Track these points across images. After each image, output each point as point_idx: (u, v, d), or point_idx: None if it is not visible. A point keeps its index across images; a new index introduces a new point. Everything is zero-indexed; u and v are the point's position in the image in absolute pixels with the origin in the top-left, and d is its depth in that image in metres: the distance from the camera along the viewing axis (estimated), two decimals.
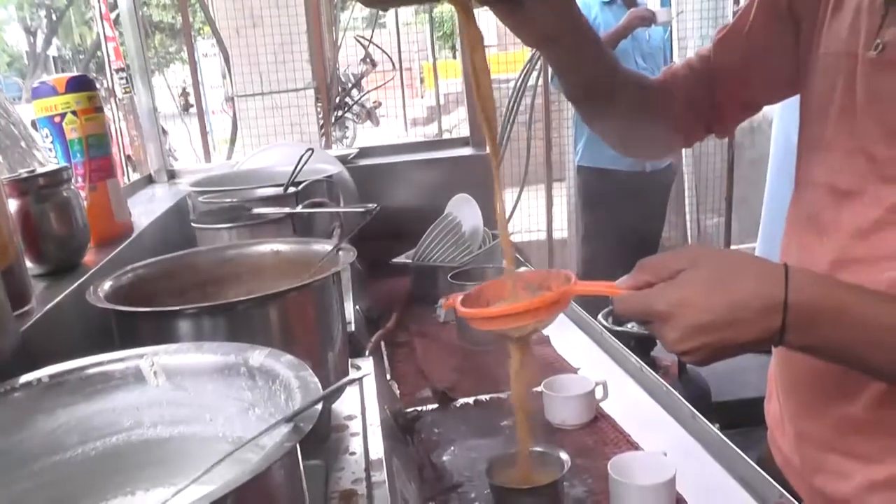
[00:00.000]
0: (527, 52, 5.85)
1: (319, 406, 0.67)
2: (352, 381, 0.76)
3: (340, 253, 1.28)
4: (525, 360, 1.07)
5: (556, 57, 1.17)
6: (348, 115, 6.83)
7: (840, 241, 1.06)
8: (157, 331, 1.04)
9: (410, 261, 2.29)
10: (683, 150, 5.57)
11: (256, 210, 1.69)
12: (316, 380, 0.73)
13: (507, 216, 4.64)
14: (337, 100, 5.57)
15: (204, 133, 5.33)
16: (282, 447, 0.60)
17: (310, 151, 1.85)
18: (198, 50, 9.33)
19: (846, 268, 1.04)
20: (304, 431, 0.63)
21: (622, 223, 3.98)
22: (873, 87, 1.01)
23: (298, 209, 1.68)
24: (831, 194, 1.08)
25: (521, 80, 4.32)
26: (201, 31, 10.22)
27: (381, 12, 7.21)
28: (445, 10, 10.92)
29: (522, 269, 2.34)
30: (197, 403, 0.84)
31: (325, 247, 1.33)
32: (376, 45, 5.19)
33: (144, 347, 0.87)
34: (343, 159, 2.58)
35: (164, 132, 9.98)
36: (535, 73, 4.43)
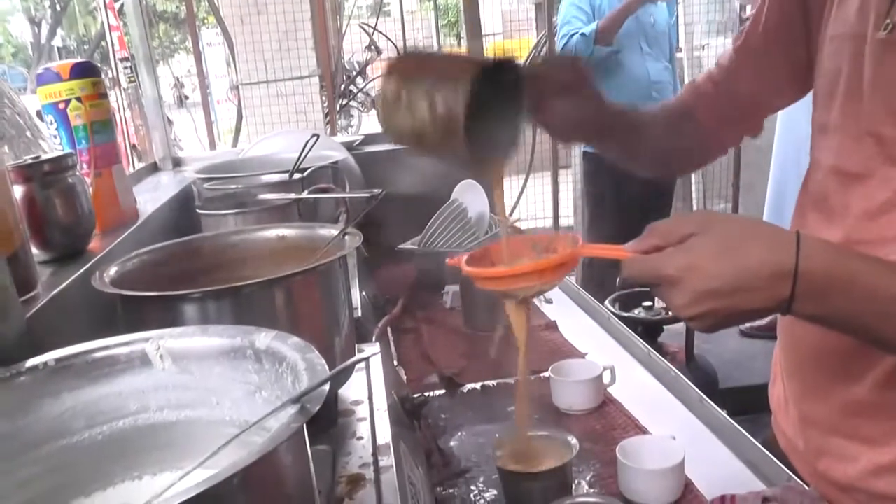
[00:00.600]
0: (532, 38, 5.84)
1: (326, 387, 0.66)
2: (359, 361, 0.76)
3: (346, 237, 1.28)
4: (527, 323, 1.07)
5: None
6: (353, 103, 6.81)
7: (848, 223, 1.05)
8: (163, 315, 1.03)
9: (416, 247, 2.28)
10: None
11: (262, 196, 1.69)
12: (323, 361, 0.72)
13: (513, 200, 4.62)
14: (342, 87, 5.56)
15: (209, 122, 5.34)
16: (288, 428, 0.60)
17: (315, 137, 1.85)
18: (202, 39, 9.34)
19: (855, 250, 1.03)
20: (310, 412, 0.63)
21: (628, 209, 3.97)
22: (881, 68, 1.00)
23: (304, 195, 1.67)
24: (839, 177, 1.08)
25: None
26: (206, 21, 10.23)
27: (385, 0, 7.19)
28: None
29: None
30: (203, 387, 0.84)
31: (330, 231, 1.32)
32: (381, 33, 5.17)
33: (150, 331, 0.87)
34: (349, 146, 2.57)
35: (170, 122, 9.98)
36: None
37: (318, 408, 0.64)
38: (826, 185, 1.10)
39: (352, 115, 7.94)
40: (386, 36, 5.32)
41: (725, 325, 0.89)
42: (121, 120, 5.77)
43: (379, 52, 5.17)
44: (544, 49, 4.27)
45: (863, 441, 1.06)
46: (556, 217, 4.61)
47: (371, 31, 4.97)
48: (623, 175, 4.17)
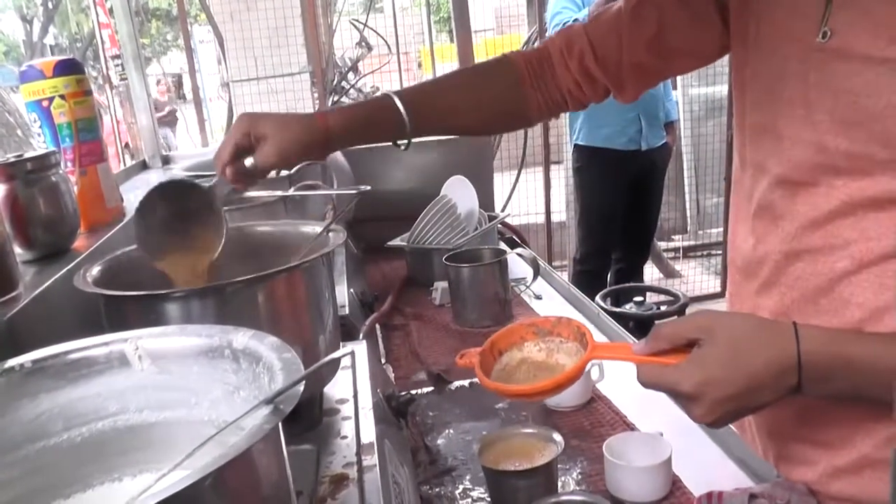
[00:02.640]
0: (523, 35, 5.82)
1: (301, 387, 0.66)
2: (333, 359, 0.75)
3: (331, 235, 1.27)
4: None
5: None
6: (345, 98, 6.79)
7: (795, 230, 1.07)
8: (146, 315, 1.02)
9: (406, 244, 2.28)
10: (682, 132, 5.55)
11: (248, 194, 1.68)
12: (299, 361, 0.71)
13: (505, 196, 4.61)
14: (333, 84, 5.54)
15: (201, 120, 5.32)
16: (261, 429, 0.59)
17: (288, 165, 1.84)
18: (194, 36, 9.30)
19: (800, 257, 1.06)
20: (284, 413, 0.62)
21: (617, 202, 3.97)
22: (825, 77, 1.00)
23: (290, 192, 1.66)
24: (785, 184, 1.08)
25: None
26: (198, 18, 10.18)
27: None
28: None
29: (525, 318, 2.33)
30: (182, 387, 0.83)
31: (315, 228, 1.31)
32: (371, 29, 5.16)
33: (128, 332, 0.86)
34: None
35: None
36: None
37: (291, 408, 0.63)
38: (771, 190, 1.10)
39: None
40: (376, 32, 5.30)
41: (741, 418, 1.00)
42: (112, 118, 5.75)
43: (370, 48, 5.16)
44: (536, 44, 4.25)
45: (820, 445, 1.09)
46: (547, 213, 4.60)
47: (362, 27, 4.96)
48: (611, 167, 4.15)
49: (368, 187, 1.55)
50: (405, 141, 1.32)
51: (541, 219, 4.69)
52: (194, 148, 5.68)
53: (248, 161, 1.19)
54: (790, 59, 1.05)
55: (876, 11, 0.95)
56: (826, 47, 0.99)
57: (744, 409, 0.96)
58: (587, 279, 3.97)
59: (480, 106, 1.36)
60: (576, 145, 4.02)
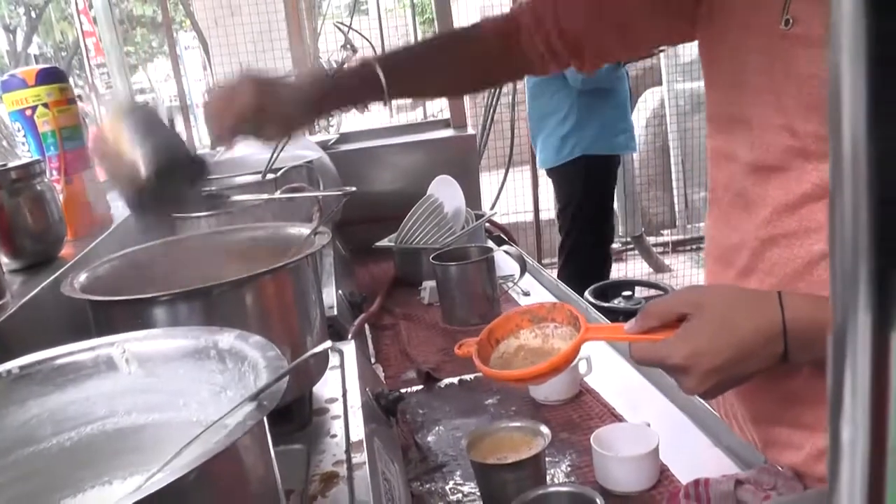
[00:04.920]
0: None
1: (284, 383, 0.66)
2: (321, 358, 0.76)
3: (317, 236, 1.28)
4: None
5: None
6: None
7: (768, 215, 1.09)
8: (133, 319, 1.03)
9: (393, 244, 2.29)
10: (668, 127, 5.58)
11: (234, 198, 1.68)
12: (283, 359, 0.72)
13: (494, 195, 4.62)
14: None
15: (188, 126, 5.31)
16: (244, 425, 0.60)
17: (286, 138, 1.84)
18: (179, 43, 9.29)
19: (776, 242, 1.08)
20: (267, 409, 0.63)
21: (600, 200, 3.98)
22: (790, 62, 1.02)
23: (276, 195, 1.67)
24: (757, 170, 1.10)
25: None
26: (183, 25, 10.17)
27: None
28: None
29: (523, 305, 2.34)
30: (170, 389, 0.83)
31: (301, 231, 1.32)
32: (356, 31, 5.17)
33: (115, 336, 0.87)
34: (324, 145, 2.57)
35: None
36: None
37: (275, 404, 0.64)
38: (743, 177, 1.13)
39: (332, 115, 7.94)
40: (361, 34, 5.31)
41: (732, 387, 1.02)
42: (98, 126, 5.73)
43: (354, 50, 5.16)
44: None
45: (805, 428, 1.11)
46: (536, 210, 4.62)
47: (346, 29, 4.97)
48: (616, 170, 4.11)
49: (354, 188, 1.56)
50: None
51: (529, 217, 4.70)
52: None
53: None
54: (755, 49, 1.07)
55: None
56: (789, 34, 1.01)
57: (734, 378, 0.98)
58: (575, 273, 3.97)
59: (454, 70, 1.43)
60: (584, 156, 3.88)
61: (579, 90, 3.69)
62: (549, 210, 4.90)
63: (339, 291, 1.82)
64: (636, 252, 5.42)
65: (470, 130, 2.68)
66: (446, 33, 1.55)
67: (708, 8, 1.19)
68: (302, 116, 1.32)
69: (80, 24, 5.40)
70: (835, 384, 0.30)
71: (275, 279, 1.12)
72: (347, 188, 1.61)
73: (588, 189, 3.92)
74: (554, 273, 4.89)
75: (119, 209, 1.87)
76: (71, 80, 1.75)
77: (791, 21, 1.01)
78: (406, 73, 1.38)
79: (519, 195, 4.86)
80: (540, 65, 1.39)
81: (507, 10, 1.47)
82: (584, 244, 3.99)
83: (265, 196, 1.67)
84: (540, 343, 1.10)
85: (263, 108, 1.22)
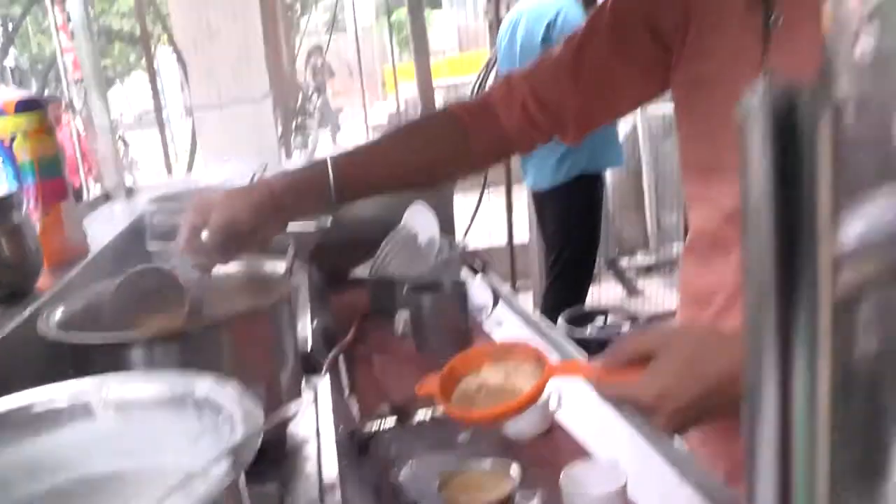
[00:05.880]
0: (485, 54, 5.88)
1: (259, 438, 0.68)
2: (284, 419, 0.78)
3: (292, 277, 1.30)
4: None
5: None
6: (309, 120, 6.83)
7: None
8: (110, 360, 1.04)
9: (368, 274, 2.30)
10: (641, 150, 5.64)
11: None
12: (259, 411, 0.74)
13: (468, 220, 4.64)
14: (297, 106, 5.57)
15: (165, 145, 5.31)
16: (221, 482, 0.61)
17: (264, 166, 1.87)
18: (157, 58, 9.25)
19: None
20: (243, 465, 0.65)
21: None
22: None
23: None
24: (736, 215, 1.12)
25: (478, 82, 4.36)
26: (161, 39, 10.14)
27: (338, 17, 7.21)
28: (405, 14, 10.91)
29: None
30: (146, 436, 0.85)
31: (276, 268, 1.34)
32: (333, 56, 5.21)
33: (92, 379, 0.88)
34: None
35: (126, 143, 9.85)
36: (493, 76, 4.45)
37: (251, 459, 0.66)
38: (723, 223, 1.15)
39: (308, 133, 7.96)
40: (339, 56, 5.35)
41: (702, 425, 1.06)
42: (76, 144, 5.73)
43: (332, 73, 5.20)
44: (494, 69, 4.30)
45: None
46: (510, 236, 4.65)
47: (324, 51, 5.00)
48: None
49: (328, 224, 1.58)
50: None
51: (503, 240, 4.73)
52: (158, 174, 5.66)
53: (204, 234, 1.23)
54: (732, 99, 1.09)
55: (804, 51, 0.99)
56: None
57: (703, 416, 1.01)
58: (551, 304, 4.02)
59: (425, 166, 1.41)
60: (581, 175, 3.93)
61: None
62: (523, 233, 4.93)
63: (314, 324, 1.83)
64: (610, 274, 5.46)
65: None
66: (412, 127, 1.52)
67: (678, 57, 1.22)
68: (248, 209, 1.26)
69: (59, 41, 5.41)
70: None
71: (250, 321, 1.14)
72: (322, 222, 1.63)
73: (585, 208, 3.98)
74: (528, 296, 4.94)
75: (95, 238, 1.88)
76: (46, 92, 1.75)
77: (770, 73, 1.04)
78: (362, 180, 1.36)
79: (493, 217, 4.89)
80: (521, 141, 1.39)
81: (482, 29, 1.48)
82: (575, 264, 4.04)
83: None
84: (501, 381, 1.12)
85: (208, 208, 1.24)
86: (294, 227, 1.67)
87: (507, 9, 4.55)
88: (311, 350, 1.65)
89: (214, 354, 1.10)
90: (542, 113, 1.34)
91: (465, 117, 1.38)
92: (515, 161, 4.38)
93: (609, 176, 4.68)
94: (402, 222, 2.33)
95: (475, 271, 2.53)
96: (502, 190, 4.71)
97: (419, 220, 2.31)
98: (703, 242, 1.21)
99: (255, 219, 1.25)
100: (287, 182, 1.31)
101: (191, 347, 1.08)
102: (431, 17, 16.31)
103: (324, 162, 1.30)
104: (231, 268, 1.37)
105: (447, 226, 2.52)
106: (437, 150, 1.40)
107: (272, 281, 1.31)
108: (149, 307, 1.21)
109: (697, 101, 1.19)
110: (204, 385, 0.82)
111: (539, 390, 1.05)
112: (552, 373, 1.06)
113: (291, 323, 1.26)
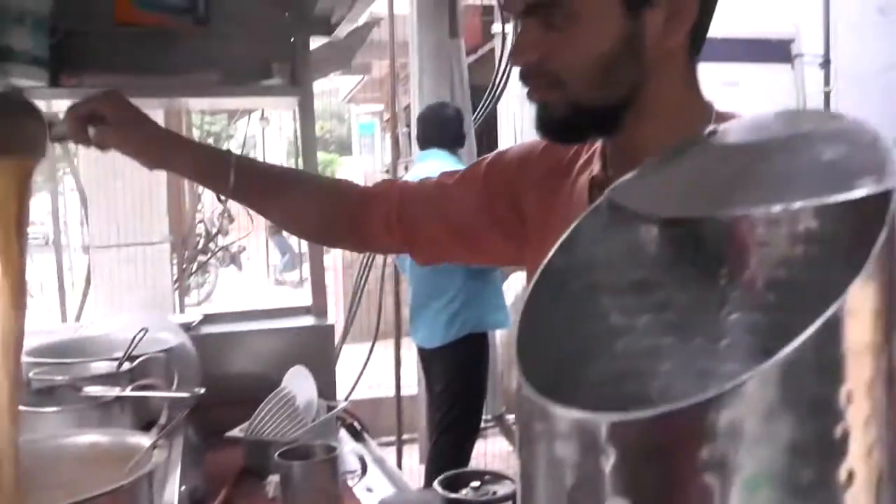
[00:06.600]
0: (378, 161, 6.05)
1: None
2: None
3: (155, 450, 1.34)
4: None
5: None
6: (213, 261, 6.87)
7: None
8: None
9: (243, 434, 2.33)
10: None
11: (86, 390, 1.74)
12: None
13: (358, 369, 4.69)
14: (198, 246, 5.62)
15: (60, 276, 5.27)
16: None
17: (143, 331, 1.93)
18: (63, 183, 9.19)
19: None
20: None
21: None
22: None
23: (126, 392, 1.73)
24: None
25: None
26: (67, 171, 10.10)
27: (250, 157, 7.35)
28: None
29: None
30: None
31: (140, 441, 1.38)
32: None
33: None
34: (187, 326, 2.64)
35: None
36: None
37: None
38: None
39: (208, 272, 7.98)
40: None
41: None
42: None
43: (231, 219, 5.30)
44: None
45: None
46: (398, 388, 4.72)
47: (225, 197, 5.11)
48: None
49: (202, 390, 1.65)
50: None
51: (391, 391, 4.80)
52: (48, 315, 5.56)
53: (91, 131, 1.38)
54: None
55: None
56: None
57: None
58: (457, 449, 4.09)
59: (304, 201, 1.53)
60: (470, 335, 4.07)
61: (469, 271, 3.90)
62: (411, 386, 5.00)
63: (183, 487, 1.86)
64: (497, 430, 5.54)
65: (330, 320, 2.79)
66: (315, 176, 1.69)
67: (531, 231, 1.34)
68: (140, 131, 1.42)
69: None
70: None
71: (108, 500, 1.18)
72: (196, 390, 1.70)
73: (472, 367, 4.08)
74: (415, 449, 4.98)
75: None
76: None
77: None
78: (260, 181, 1.49)
79: (384, 368, 4.97)
80: (380, 240, 1.49)
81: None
82: (461, 421, 4.12)
83: (115, 393, 1.73)
84: None
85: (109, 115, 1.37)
86: (168, 392, 1.74)
87: (406, 169, 4.77)
88: None
89: None
90: (399, 224, 1.44)
91: (352, 186, 1.54)
92: (405, 314, 4.49)
93: (498, 333, 4.83)
94: (282, 384, 2.39)
95: (353, 433, 2.59)
96: (391, 343, 4.81)
97: (299, 382, 2.37)
98: None
99: (141, 137, 1.42)
100: (191, 142, 1.51)
101: None
102: (342, 161, 16.72)
103: (229, 155, 1.45)
104: (93, 437, 1.41)
105: (328, 388, 2.59)
106: (331, 190, 1.55)
107: (137, 452, 1.35)
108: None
109: None
110: None
111: None
112: None
113: (151, 496, 1.30)
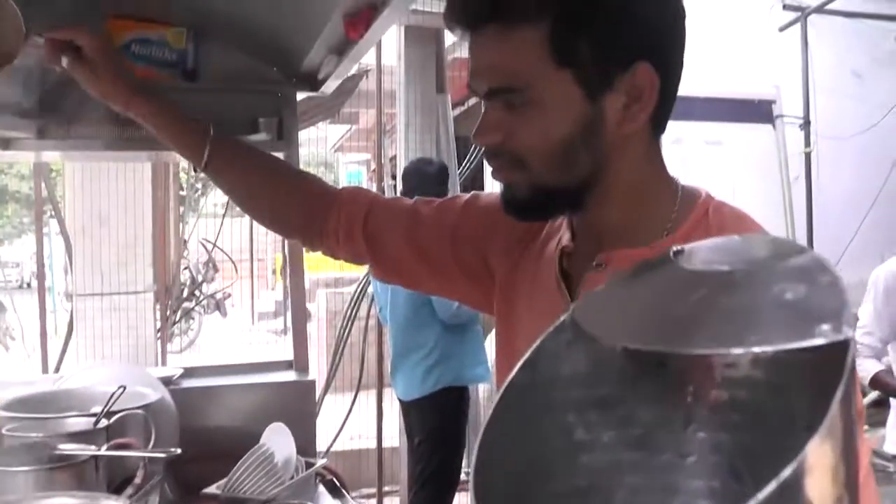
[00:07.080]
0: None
1: None
2: None
3: None
4: None
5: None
6: (199, 308, 6.87)
7: None
8: None
9: (220, 492, 2.33)
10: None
11: (60, 448, 1.73)
12: None
13: (341, 420, 4.67)
14: (183, 294, 5.62)
15: (43, 323, 5.25)
16: None
17: (121, 389, 1.93)
18: (50, 227, 9.19)
19: None
20: None
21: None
22: None
23: (102, 451, 1.73)
24: None
25: (358, 290, 4.53)
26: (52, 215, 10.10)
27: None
28: None
29: None
30: None
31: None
32: (220, 249, 5.33)
33: None
34: (167, 380, 2.63)
35: (3, 308, 9.62)
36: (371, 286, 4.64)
37: None
38: None
39: (192, 319, 7.96)
40: (224, 251, 5.47)
41: None
42: None
43: (216, 269, 5.31)
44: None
45: None
46: (379, 440, 4.70)
47: (211, 247, 5.13)
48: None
49: (178, 451, 1.65)
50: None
51: (373, 443, 4.78)
52: (28, 362, 5.52)
53: (65, 62, 1.41)
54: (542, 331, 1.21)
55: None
56: None
57: None
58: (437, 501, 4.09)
59: (269, 179, 1.57)
60: (448, 388, 4.09)
61: (446, 324, 3.92)
62: (393, 438, 4.99)
63: None
64: None
65: (312, 371, 2.79)
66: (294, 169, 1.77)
67: (498, 286, 1.34)
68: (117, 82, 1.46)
69: None
70: None
71: None
72: (172, 450, 1.70)
73: (451, 419, 4.09)
74: (395, 502, 4.95)
75: None
76: None
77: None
78: (233, 157, 1.53)
79: (366, 419, 4.96)
80: (331, 241, 1.49)
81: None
82: (441, 473, 4.11)
83: (91, 451, 1.72)
84: None
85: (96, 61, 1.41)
86: (144, 452, 1.74)
87: None
88: None
89: None
90: (363, 235, 1.44)
91: (317, 182, 1.56)
92: (387, 365, 4.50)
93: (480, 387, 4.84)
94: (261, 440, 2.39)
95: (332, 489, 2.58)
96: (374, 393, 4.81)
97: (277, 439, 2.37)
98: None
99: (114, 66, 1.47)
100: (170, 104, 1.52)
101: None
102: None
103: (206, 131, 1.50)
104: (65, 500, 1.41)
105: (308, 444, 2.59)
106: (299, 177, 1.58)
107: None
108: None
109: (506, 334, 1.30)
110: None
111: None
112: None
113: None
